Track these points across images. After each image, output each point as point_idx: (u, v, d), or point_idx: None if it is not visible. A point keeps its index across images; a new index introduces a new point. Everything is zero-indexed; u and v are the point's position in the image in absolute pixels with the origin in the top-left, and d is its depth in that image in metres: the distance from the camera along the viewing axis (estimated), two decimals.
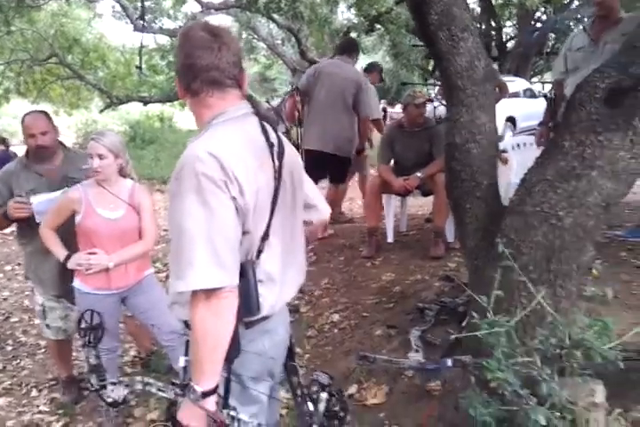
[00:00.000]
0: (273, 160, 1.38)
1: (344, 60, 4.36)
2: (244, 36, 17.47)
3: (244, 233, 1.30)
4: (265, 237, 1.37)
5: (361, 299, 3.13)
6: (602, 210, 1.98)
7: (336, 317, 2.95)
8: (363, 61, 6.95)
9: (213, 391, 1.28)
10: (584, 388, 1.59)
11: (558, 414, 1.49)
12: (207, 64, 1.31)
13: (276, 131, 1.45)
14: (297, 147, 4.46)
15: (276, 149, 1.39)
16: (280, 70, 20.64)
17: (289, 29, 13.03)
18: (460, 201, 2.34)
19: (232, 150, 1.27)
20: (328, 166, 4.21)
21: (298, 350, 2.65)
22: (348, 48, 4.49)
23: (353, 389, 2.23)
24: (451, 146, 2.33)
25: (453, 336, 1.91)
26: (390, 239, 4.13)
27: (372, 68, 5.39)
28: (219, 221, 1.22)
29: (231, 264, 1.25)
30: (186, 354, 1.40)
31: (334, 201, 4.56)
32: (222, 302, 1.23)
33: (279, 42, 17.12)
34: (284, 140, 1.47)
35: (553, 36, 15.04)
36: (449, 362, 1.88)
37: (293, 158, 1.49)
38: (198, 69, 1.32)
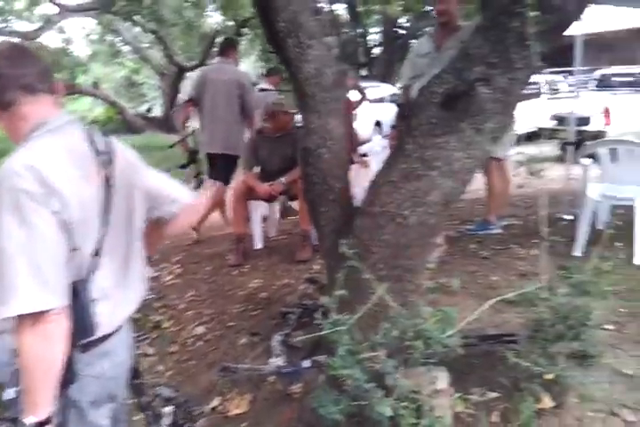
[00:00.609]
0: (101, 170, 1.31)
1: (224, 62, 4.53)
2: (108, 39, 16.68)
3: (73, 249, 1.23)
4: (97, 252, 1.29)
5: (227, 308, 3.09)
6: (442, 208, 2.11)
7: (200, 329, 2.88)
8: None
9: (48, 421, 1.20)
10: (427, 376, 1.69)
11: (405, 404, 1.56)
12: (17, 72, 1.26)
13: (108, 138, 1.38)
14: (195, 153, 4.52)
15: (104, 157, 1.33)
16: (148, 75, 19.91)
17: (153, 33, 12.63)
18: (315, 204, 2.39)
19: (52, 162, 1.20)
20: (220, 167, 4.34)
21: (160, 367, 2.56)
22: (225, 48, 4.64)
23: (216, 401, 2.18)
24: (304, 151, 2.37)
25: (298, 339, 1.94)
26: (258, 245, 4.14)
27: (272, 72, 5.72)
28: (40, 239, 1.15)
29: (57, 284, 1.17)
30: (16, 384, 1.29)
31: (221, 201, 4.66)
32: (50, 325, 1.16)
33: (146, 45, 16.54)
34: (119, 147, 1.40)
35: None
36: (306, 363, 1.91)
37: (130, 166, 1.42)
38: (7, 78, 1.25)
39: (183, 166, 4.66)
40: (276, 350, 2.30)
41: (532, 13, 1.84)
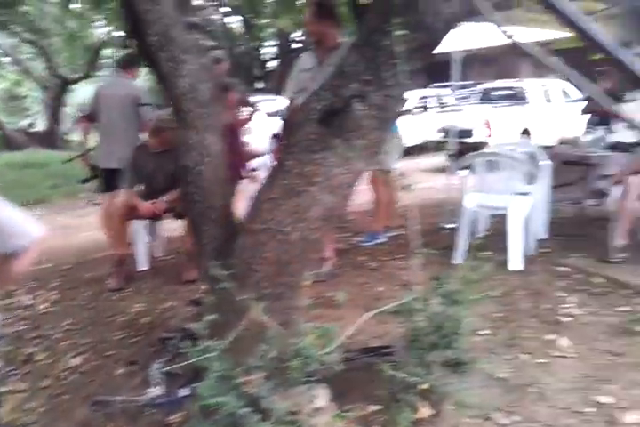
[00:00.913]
0: None
1: (121, 76, 4.51)
2: None
3: None
4: None
5: (106, 337, 2.91)
6: (324, 223, 2.12)
7: (76, 360, 2.67)
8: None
9: None
10: (306, 395, 1.67)
11: (282, 426, 1.52)
12: None
13: None
14: (97, 168, 4.35)
15: None
16: (31, 87, 18.72)
17: (31, 43, 11.86)
18: (196, 223, 2.31)
19: None
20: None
21: (32, 404, 2.33)
22: (126, 64, 4.58)
23: None
24: (183, 169, 2.29)
25: (178, 366, 1.85)
26: (143, 267, 3.96)
27: None
28: None
29: None
30: None
31: None
32: None
33: (27, 57, 15.59)
34: None
35: None
36: (185, 391, 1.82)
37: None
38: None
39: (85, 181, 4.47)
40: (154, 379, 2.17)
41: (401, 32, 1.90)
